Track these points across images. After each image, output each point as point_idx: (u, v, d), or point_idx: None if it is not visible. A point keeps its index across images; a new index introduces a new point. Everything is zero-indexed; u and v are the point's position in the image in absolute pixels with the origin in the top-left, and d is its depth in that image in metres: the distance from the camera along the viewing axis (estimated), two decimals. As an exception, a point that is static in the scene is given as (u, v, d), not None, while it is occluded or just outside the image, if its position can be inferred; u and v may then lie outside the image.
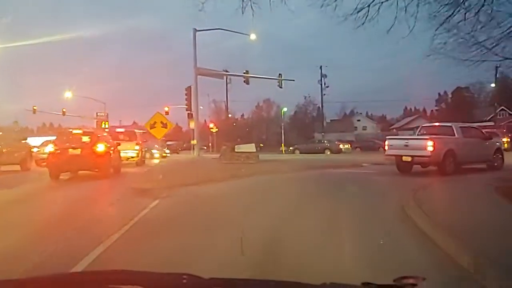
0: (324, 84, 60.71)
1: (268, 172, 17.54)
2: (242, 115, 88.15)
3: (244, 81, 32.60)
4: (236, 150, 25.16)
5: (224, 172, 16.61)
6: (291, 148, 39.69)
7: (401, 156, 15.32)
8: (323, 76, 60.81)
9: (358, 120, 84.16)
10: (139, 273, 1.85)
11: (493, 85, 58.82)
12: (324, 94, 60.93)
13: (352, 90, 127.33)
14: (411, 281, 1.54)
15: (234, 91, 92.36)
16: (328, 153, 35.79)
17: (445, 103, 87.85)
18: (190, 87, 27.71)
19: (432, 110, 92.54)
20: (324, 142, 39.07)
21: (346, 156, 32.24)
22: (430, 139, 14.75)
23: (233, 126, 67.98)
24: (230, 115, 70.83)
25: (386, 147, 16.19)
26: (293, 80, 37.01)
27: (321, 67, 60.44)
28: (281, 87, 34.33)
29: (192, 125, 28.34)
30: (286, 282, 1.78)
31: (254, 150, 25.55)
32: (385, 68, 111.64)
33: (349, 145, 41.74)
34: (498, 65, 14.53)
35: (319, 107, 65.98)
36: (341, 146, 37.56)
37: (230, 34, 31.97)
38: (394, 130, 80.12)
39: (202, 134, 38.11)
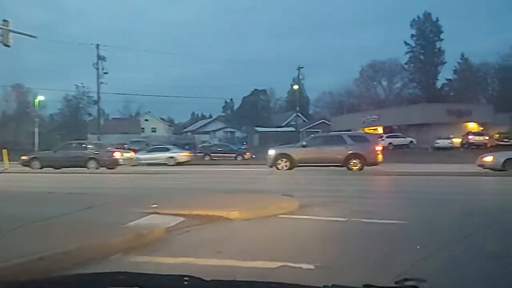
0: (102, 69, 45.54)
1: None
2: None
3: None
4: None
5: None
6: (23, 157, 22.60)
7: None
8: (100, 58, 45.55)
9: (146, 120, 70.52)
10: (139, 275, 1.83)
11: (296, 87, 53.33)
12: (102, 83, 45.71)
13: (136, 89, 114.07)
14: (412, 283, 1.57)
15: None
16: (94, 167, 21.12)
17: (237, 108, 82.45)
18: None
19: (225, 115, 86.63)
20: (88, 147, 23.06)
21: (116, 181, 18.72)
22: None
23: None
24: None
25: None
26: (34, 37, 21.69)
27: (97, 45, 45.17)
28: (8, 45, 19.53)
29: None
30: (289, 285, 1.76)
31: None
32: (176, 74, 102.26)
33: (132, 153, 28.10)
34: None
35: (95, 100, 49.84)
36: (117, 155, 22.93)
37: None
38: (189, 133, 70.34)
39: None
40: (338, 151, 19.29)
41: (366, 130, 46.54)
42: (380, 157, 19.46)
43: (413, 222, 6.99)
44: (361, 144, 19.54)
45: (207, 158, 34.85)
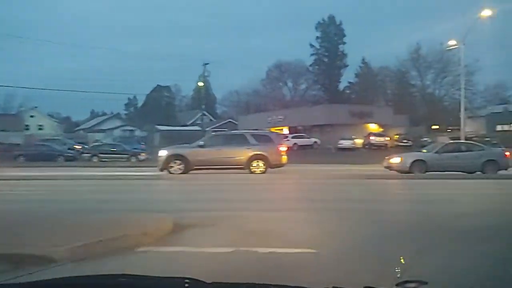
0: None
1: None
2: None
3: None
4: None
5: None
6: None
7: None
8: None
9: (32, 117, 62.61)
10: (140, 277, 1.80)
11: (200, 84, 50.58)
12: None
13: (23, 82, 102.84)
14: (413, 285, 1.57)
15: None
16: None
17: (141, 106, 77.56)
18: None
19: (128, 113, 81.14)
20: None
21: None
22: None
23: None
24: None
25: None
26: None
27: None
28: None
29: None
30: (289, 287, 1.75)
31: None
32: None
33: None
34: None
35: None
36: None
37: None
38: (82, 131, 64.02)
39: None
40: (240, 152, 17.04)
41: (272, 130, 45.48)
42: (284, 158, 17.58)
43: (325, 251, 5.00)
44: (265, 144, 17.47)
45: (95, 159, 30.67)
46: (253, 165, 16.97)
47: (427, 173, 17.04)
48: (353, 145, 40.70)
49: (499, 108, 49.92)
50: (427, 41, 64.20)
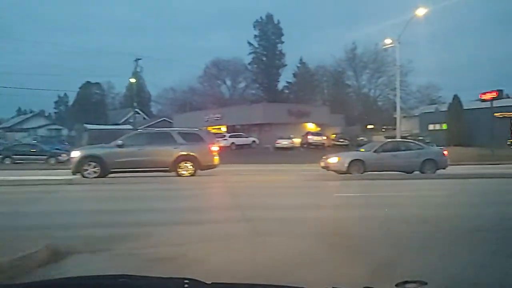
0: None
1: None
2: None
3: None
4: None
5: None
6: None
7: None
8: None
9: None
10: (140, 278, 1.82)
11: (133, 80, 47.75)
12: None
13: None
14: (413, 286, 1.57)
15: None
16: None
17: (72, 104, 72.80)
18: None
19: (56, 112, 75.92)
20: None
21: None
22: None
23: None
24: None
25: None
26: None
27: None
28: None
29: None
30: (289, 287, 1.76)
31: None
32: None
33: None
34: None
35: None
36: None
37: None
38: (0, 130, 58.57)
39: None
40: (165, 152, 15.22)
41: (210, 129, 43.86)
42: (216, 159, 15.97)
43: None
44: (195, 143, 15.74)
45: (7, 161, 27.31)
46: (181, 167, 15.24)
47: (365, 173, 16.25)
48: (291, 144, 39.99)
49: (431, 108, 51.50)
50: (363, 41, 65.69)
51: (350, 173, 16.24)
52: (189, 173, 15.23)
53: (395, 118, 31.71)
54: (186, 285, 1.62)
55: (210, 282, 1.66)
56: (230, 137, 40.25)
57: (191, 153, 15.40)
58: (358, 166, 16.50)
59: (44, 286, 1.86)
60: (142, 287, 1.71)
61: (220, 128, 48.57)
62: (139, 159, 14.90)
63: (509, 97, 49.10)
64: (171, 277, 1.75)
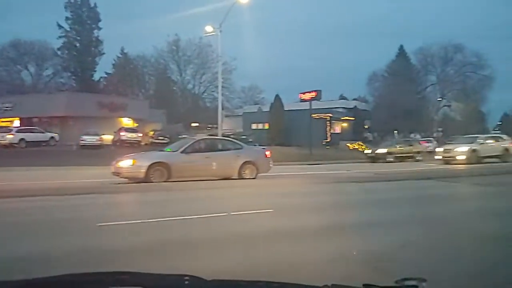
0: None
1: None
2: None
3: None
4: None
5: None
6: None
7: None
8: None
9: None
10: (140, 274, 1.77)
11: None
12: None
13: None
14: (412, 283, 1.56)
15: None
16: None
17: None
18: None
19: None
20: None
21: None
22: None
23: None
24: None
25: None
26: None
27: None
28: None
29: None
30: (289, 284, 1.71)
31: None
32: None
33: None
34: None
35: None
36: None
37: None
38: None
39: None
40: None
41: (-1, 122, 35.00)
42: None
43: None
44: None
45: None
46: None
47: (171, 180, 12.19)
48: (99, 142, 33.57)
49: (254, 108, 52.04)
50: (188, 34, 62.39)
51: (150, 181, 11.97)
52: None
53: (220, 116, 29.09)
54: (186, 282, 1.60)
55: (210, 279, 1.62)
56: (17, 132, 31.94)
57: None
58: (160, 171, 12.30)
59: (45, 282, 1.69)
60: (142, 283, 1.65)
61: (13, 121, 39.36)
62: None
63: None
64: (171, 274, 1.72)
